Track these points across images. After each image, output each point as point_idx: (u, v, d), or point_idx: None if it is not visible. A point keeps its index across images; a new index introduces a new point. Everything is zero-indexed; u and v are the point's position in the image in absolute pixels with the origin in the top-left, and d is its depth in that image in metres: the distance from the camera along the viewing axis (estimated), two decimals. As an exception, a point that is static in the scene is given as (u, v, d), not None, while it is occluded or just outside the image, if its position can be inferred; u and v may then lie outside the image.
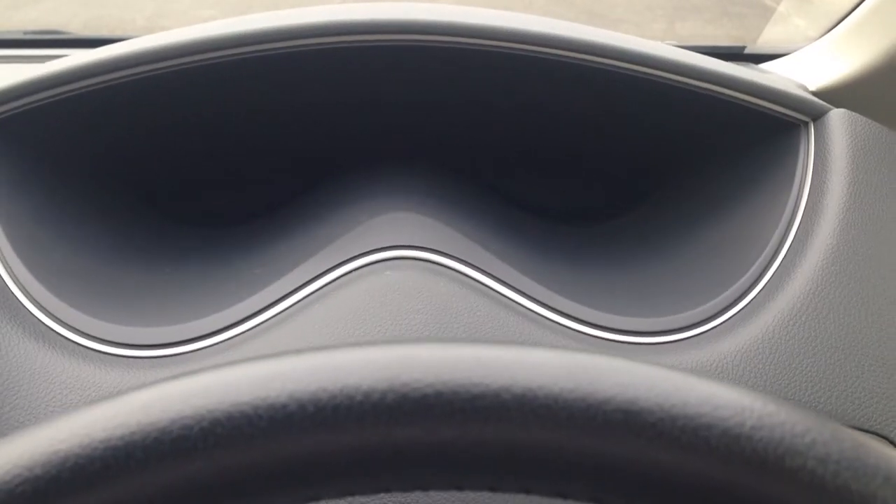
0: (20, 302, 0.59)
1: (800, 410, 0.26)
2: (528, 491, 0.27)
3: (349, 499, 0.49)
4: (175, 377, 0.26)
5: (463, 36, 0.68)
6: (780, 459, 0.24)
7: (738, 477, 0.25)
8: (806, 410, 0.26)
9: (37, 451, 0.24)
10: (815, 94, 0.78)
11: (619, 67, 0.68)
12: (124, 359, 0.57)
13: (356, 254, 0.62)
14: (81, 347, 0.57)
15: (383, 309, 0.58)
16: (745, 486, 0.25)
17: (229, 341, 0.58)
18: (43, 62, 0.68)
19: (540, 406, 0.25)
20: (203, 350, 0.58)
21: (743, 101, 0.69)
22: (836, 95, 0.77)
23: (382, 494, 0.50)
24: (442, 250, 0.62)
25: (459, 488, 0.27)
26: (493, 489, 0.27)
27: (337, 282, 0.60)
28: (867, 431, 0.56)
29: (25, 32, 1.12)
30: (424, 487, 0.26)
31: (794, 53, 0.93)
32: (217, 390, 0.25)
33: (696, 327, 0.60)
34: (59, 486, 0.23)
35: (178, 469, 0.24)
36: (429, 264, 0.61)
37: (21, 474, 0.23)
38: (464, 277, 0.61)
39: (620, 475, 0.25)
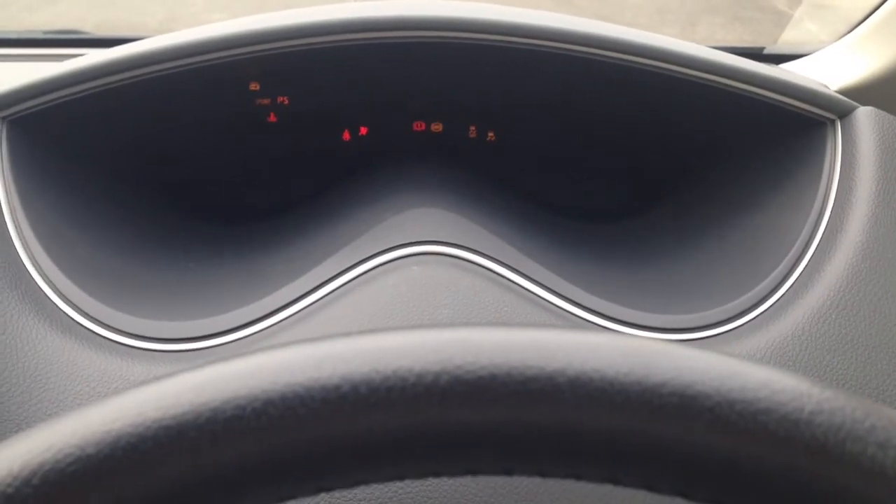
0: (47, 296, 0.59)
1: (857, 397, 0.26)
2: (579, 477, 0.26)
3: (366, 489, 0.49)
4: (227, 358, 0.26)
5: (489, 33, 0.68)
6: (841, 444, 0.24)
7: (797, 462, 0.24)
8: (862, 397, 0.26)
9: (89, 431, 0.24)
10: (837, 93, 0.77)
11: (648, 65, 0.68)
12: (150, 352, 0.57)
13: (382, 249, 0.62)
14: (108, 341, 0.57)
15: (410, 304, 0.57)
16: (804, 471, 0.24)
17: (255, 335, 0.58)
18: (61, 61, 0.69)
19: (595, 389, 0.25)
20: (229, 344, 0.58)
21: (770, 98, 0.68)
22: (859, 94, 0.77)
23: (398, 487, 0.50)
24: (469, 246, 0.62)
25: (510, 473, 0.26)
26: (543, 474, 0.26)
27: (363, 277, 0.60)
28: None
29: (45, 32, 1.13)
30: (475, 472, 0.26)
31: (814, 54, 0.93)
32: (269, 371, 0.25)
33: (725, 324, 0.60)
34: (111, 465, 0.23)
35: (230, 449, 0.24)
36: (455, 260, 0.61)
37: (73, 453, 0.23)
38: (490, 273, 0.60)
39: (675, 461, 0.25)
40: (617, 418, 0.25)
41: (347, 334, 0.26)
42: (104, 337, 0.57)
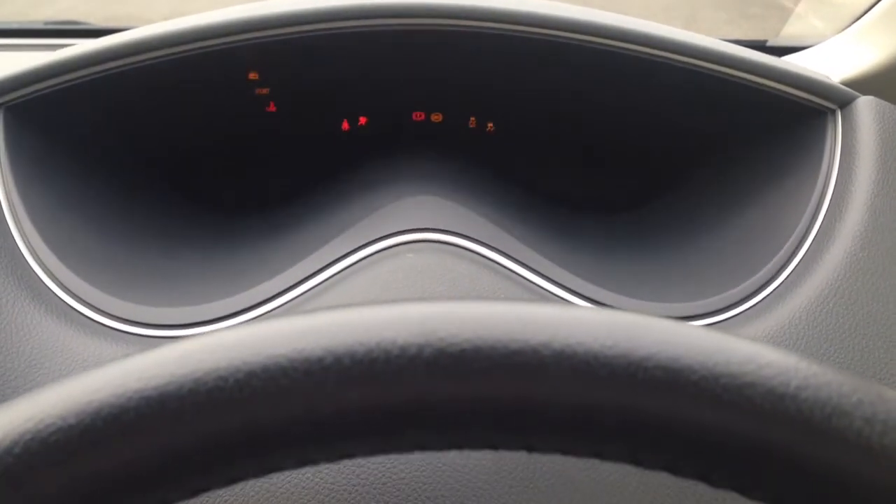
0: (43, 282, 0.59)
1: (844, 372, 0.25)
2: (564, 452, 0.26)
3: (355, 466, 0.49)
4: (209, 332, 0.26)
5: (489, 21, 0.67)
6: (827, 419, 0.24)
7: (783, 437, 0.24)
8: (850, 372, 0.26)
9: (70, 401, 0.23)
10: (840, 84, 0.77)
11: (648, 54, 0.67)
12: (146, 338, 0.57)
13: (378, 236, 0.62)
14: (103, 327, 0.57)
15: (405, 291, 0.57)
16: (790, 446, 0.24)
17: (251, 322, 0.58)
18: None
19: (580, 362, 0.24)
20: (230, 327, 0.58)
21: (770, 88, 0.68)
22: (861, 85, 0.77)
23: (390, 464, 0.50)
24: (464, 233, 0.62)
25: (495, 447, 0.26)
26: (529, 449, 0.26)
27: (359, 264, 0.60)
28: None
29: (46, 22, 1.13)
30: (460, 446, 0.26)
31: (816, 46, 0.92)
32: (252, 343, 0.25)
33: (723, 312, 0.60)
34: (92, 435, 0.23)
35: (213, 421, 0.24)
36: (451, 247, 0.61)
37: (54, 423, 0.23)
38: (486, 260, 0.60)
39: (661, 435, 0.25)
40: (602, 392, 0.24)
41: (331, 308, 0.26)
42: (100, 323, 0.57)
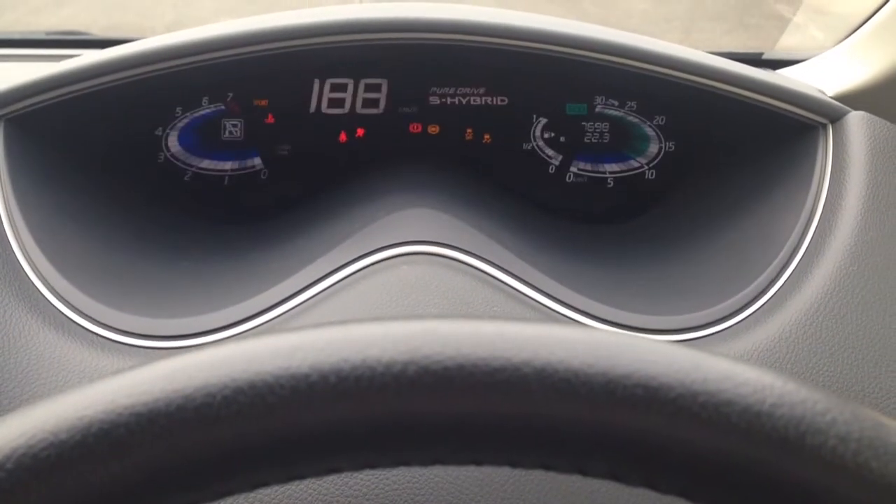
0: (41, 293, 0.59)
1: (820, 390, 0.26)
2: (547, 468, 0.27)
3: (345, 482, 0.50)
4: (198, 349, 0.26)
5: (486, 35, 0.68)
6: (801, 437, 0.24)
7: (758, 454, 0.25)
8: (826, 391, 0.26)
9: (62, 417, 0.24)
10: (833, 98, 0.78)
11: (641, 69, 0.68)
12: (142, 349, 0.58)
13: (372, 249, 0.62)
14: (101, 338, 0.58)
15: (399, 303, 0.58)
16: (765, 463, 0.24)
17: (246, 333, 0.59)
18: (61, 62, 0.70)
19: (560, 380, 0.25)
20: (220, 342, 0.58)
21: (762, 102, 0.69)
22: (855, 100, 0.77)
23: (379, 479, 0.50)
24: (458, 246, 0.62)
25: (478, 463, 0.27)
26: (512, 465, 0.27)
27: (353, 276, 0.61)
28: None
29: (48, 33, 1.14)
30: (443, 461, 0.26)
31: (811, 60, 0.93)
32: (240, 360, 0.25)
33: (712, 326, 0.60)
34: (83, 450, 0.24)
35: (201, 436, 0.24)
36: (445, 259, 0.61)
37: (46, 438, 0.24)
38: (479, 273, 0.61)
39: (639, 451, 0.25)
40: (582, 409, 0.25)
41: (317, 325, 0.27)
42: (97, 334, 0.58)
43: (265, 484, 0.26)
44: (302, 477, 0.26)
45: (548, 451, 0.26)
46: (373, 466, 0.26)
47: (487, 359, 0.25)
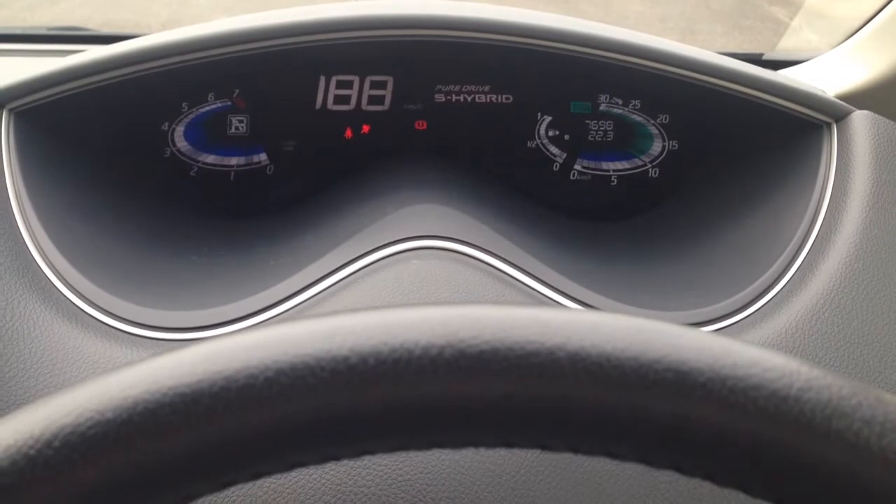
0: (54, 285, 0.59)
1: (844, 376, 0.27)
2: (577, 451, 0.27)
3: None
4: (239, 332, 0.27)
5: (492, 32, 0.69)
6: (827, 420, 0.25)
7: (785, 437, 0.25)
8: (850, 377, 0.27)
9: (107, 396, 0.25)
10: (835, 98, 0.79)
11: (645, 66, 0.69)
12: (154, 341, 0.58)
13: (383, 243, 0.63)
14: (113, 329, 0.58)
15: (410, 297, 0.58)
16: (792, 446, 0.25)
17: (258, 325, 0.59)
18: (64, 56, 0.70)
19: (592, 364, 0.26)
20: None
21: (767, 101, 0.70)
22: (856, 100, 0.78)
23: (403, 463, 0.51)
24: (468, 241, 0.63)
25: (510, 445, 0.27)
26: (543, 447, 0.27)
27: (364, 270, 0.61)
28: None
29: (49, 28, 1.14)
30: (476, 444, 0.27)
31: (811, 60, 0.94)
32: (281, 343, 0.26)
33: (719, 321, 0.61)
34: (129, 429, 0.24)
35: (243, 416, 0.25)
36: (455, 254, 0.62)
37: (93, 417, 0.24)
38: (489, 267, 0.61)
39: (669, 435, 0.26)
40: (614, 393, 0.26)
41: (356, 310, 0.27)
42: (109, 325, 0.58)
43: (302, 464, 0.27)
44: (338, 458, 0.27)
45: (580, 434, 0.26)
46: (408, 449, 0.27)
47: (522, 343, 0.26)
